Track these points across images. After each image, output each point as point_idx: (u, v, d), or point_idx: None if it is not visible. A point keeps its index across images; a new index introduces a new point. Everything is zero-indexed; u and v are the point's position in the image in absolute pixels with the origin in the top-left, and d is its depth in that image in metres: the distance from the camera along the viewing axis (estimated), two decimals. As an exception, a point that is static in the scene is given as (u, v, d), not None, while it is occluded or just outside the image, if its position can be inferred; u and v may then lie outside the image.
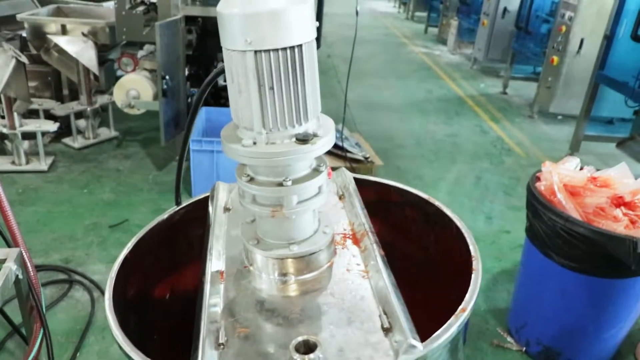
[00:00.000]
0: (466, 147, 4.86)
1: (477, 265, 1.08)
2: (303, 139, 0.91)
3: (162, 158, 4.00)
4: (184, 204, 1.35)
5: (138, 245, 1.21)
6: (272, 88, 0.88)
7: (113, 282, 1.08)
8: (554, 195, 2.10)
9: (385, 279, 1.00)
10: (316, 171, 0.98)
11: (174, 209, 1.33)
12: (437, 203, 1.31)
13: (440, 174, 4.25)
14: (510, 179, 4.25)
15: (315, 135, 0.92)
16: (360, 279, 1.03)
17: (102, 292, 2.38)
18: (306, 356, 0.82)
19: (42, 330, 1.54)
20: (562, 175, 2.15)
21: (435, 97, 6.46)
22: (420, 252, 1.38)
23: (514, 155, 4.74)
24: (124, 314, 1.07)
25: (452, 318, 0.94)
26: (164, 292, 1.35)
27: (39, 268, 2.42)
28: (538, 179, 2.23)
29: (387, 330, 0.89)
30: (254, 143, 0.91)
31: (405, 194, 1.40)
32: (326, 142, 0.94)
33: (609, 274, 2.01)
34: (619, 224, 1.91)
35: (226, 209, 1.29)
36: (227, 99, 3.84)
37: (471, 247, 1.13)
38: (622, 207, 2.00)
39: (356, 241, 1.14)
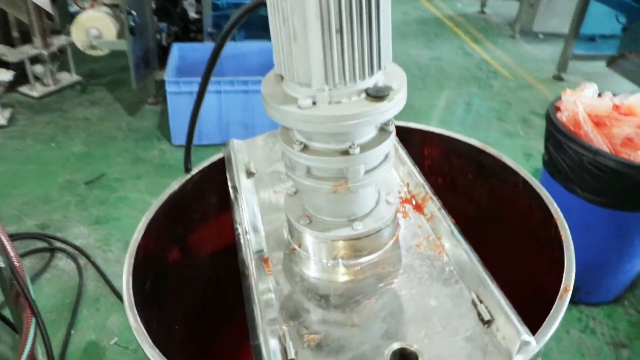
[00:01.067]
0: (452, 72, 4.66)
1: (563, 227, 0.93)
2: (376, 95, 0.70)
3: (134, 102, 3.67)
4: (194, 170, 1.13)
5: (149, 229, 1.00)
6: (339, 31, 0.66)
7: (131, 279, 0.89)
8: (578, 126, 1.95)
9: (470, 255, 0.83)
10: (383, 132, 0.78)
11: (184, 177, 1.12)
12: (494, 152, 1.13)
13: (430, 101, 4.07)
14: (500, 103, 4.11)
15: (389, 88, 0.72)
16: (435, 255, 0.86)
17: (88, 259, 2.18)
18: (408, 372, 0.66)
19: (33, 320, 1.34)
20: (584, 104, 2.00)
21: (412, 19, 6.16)
22: (473, 210, 1.22)
23: (501, 78, 4.57)
24: (143, 309, 0.89)
25: (558, 301, 0.79)
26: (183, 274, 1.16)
27: (13, 237, 2.19)
28: (558, 108, 2.07)
29: (488, 323, 0.73)
30: (314, 103, 0.70)
31: (450, 141, 1.22)
32: (403, 97, 0.74)
33: (636, 206, 1.92)
34: (651, 155, 1.78)
35: (249, 174, 1.08)
36: (197, 32, 3.49)
37: (551, 207, 0.97)
38: (652, 136, 1.87)
39: (418, 207, 0.96)
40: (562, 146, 1.96)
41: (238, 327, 1.37)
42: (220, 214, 1.21)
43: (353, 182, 0.77)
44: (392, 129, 0.79)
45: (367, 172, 0.78)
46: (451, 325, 0.74)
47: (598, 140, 1.90)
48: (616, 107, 2.03)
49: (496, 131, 3.69)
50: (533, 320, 0.74)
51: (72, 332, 1.81)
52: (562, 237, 0.90)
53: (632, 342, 2.02)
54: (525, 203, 1.05)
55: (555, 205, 0.97)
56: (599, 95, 2.13)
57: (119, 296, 1.97)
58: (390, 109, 0.71)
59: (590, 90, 2.13)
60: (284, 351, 0.70)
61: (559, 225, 0.93)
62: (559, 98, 2.11)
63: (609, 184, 1.87)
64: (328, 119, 0.69)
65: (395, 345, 0.68)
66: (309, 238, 0.84)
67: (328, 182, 0.77)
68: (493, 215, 1.16)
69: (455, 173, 1.24)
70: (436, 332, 0.73)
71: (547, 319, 0.75)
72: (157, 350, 0.75)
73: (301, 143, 0.76)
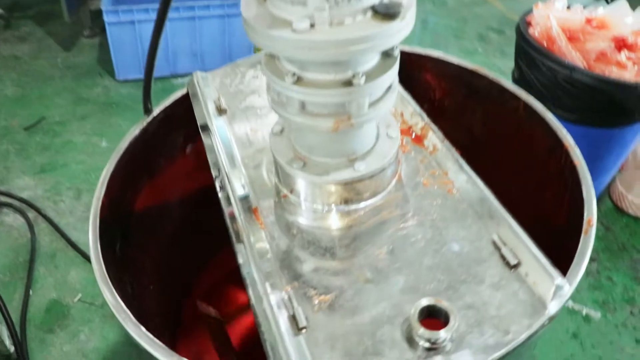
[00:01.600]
0: (406, -9, 4.46)
1: (576, 155, 0.85)
2: (386, 12, 0.58)
3: (68, 36, 3.33)
4: (155, 111, 0.99)
5: (111, 183, 0.87)
6: None
7: (98, 245, 0.76)
8: (552, 42, 1.87)
9: (484, 191, 0.75)
10: (388, 57, 0.67)
11: (145, 119, 0.97)
12: (489, 74, 1.03)
13: (386, 24, 3.90)
14: (457, 21, 3.99)
15: (399, 4, 0.59)
16: (445, 193, 0.77)
17: (38, 212, 2.00)
18: (441, 332, 0.58)
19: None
20: (557, 18, 1.91)
21: None
22: (465, 139, 1.13)
23: (455, -6, 4.42)
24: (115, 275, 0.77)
25: (583, 237, 0.72)
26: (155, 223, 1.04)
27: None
28: (529, 23, 1.98)
29: (514, 267, 0.66)
30: (311, 25, 0.57)
31: (438, 63, 1.11)
32: (413, 15, 0.62)
33: (609, 123, 1.89)
34: (625, 71, 1.73)
35: (221, 110, 0.95)
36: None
37: (559, 133, 0.89)
38: (625, 50, 1.82)
39: (418, 139, 0.86)
40: (535, 63, 1.88)
41: (214, 276, 1.28)
42: (188, 154, 1.08)
43: (357, 117, 0.65)
44: (398, 53, 0.67)
45: (371, 104, 0.66)
46: (474, 272, 0.66)
47: (572, 56, 1.83)
48: (589, 21, 1.95)
49: (455, 49, 3.59)
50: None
51: (31, 292, 1.68)
52: (577, 166, 0.83)
53: (599, 254, 2.07)
54: (527, 130, 0.97)
55: (565, 130, 0.89)
56: (568, 8, 2.05)
57: (77, 249, 1.83)
58: (402, 30, 0.59)
59: (560, 3, 2.05)
60: (293, 319, 0.61)
61: (571, 152, 0.85)
62: (529, 12, 2.01)
63: (583, 101, 1.82)
64: (331, 44, 0.56)
65: (424, 302, 0.60)
66: (304, 183, 0.73)
67: (327, 119, 0.65)
68: (488, 144, 1.08)
69: (444, 99, 1.14)
70: (460, 282, 0.65)
71: (575, 258, 0.69)
72: (144, 330, 0.64)
73: (294, 74, 0.63)
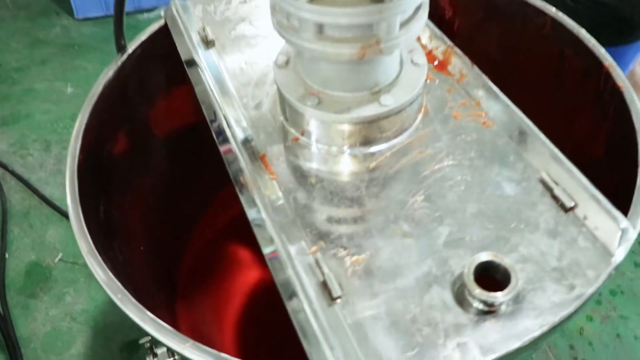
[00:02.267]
0: None
1: (620, 77, 0.75)
2: None
3: (15, -28, 3.03)
4: (129, 48, 0.84)
5: (86, 136, 0.74)
6: None
7: (79, 209, 0.64)
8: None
9: (527, 123, 0.65)
10: (419, -33, 0.54)
11: (118, 59, 0.83)
12: (509, -12, 0.91)
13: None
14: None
15: None
16: (480, 127, 0.67)
17: (6, 168, 1.84)
18: (500, 294, 0.49)
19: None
20: None
21: None
22: (481, 63, 1.02)
23: None
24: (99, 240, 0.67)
25: (643, 169, 0.64)
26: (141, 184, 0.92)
27: None
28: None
29: (570, 210, 0.57)
30: None
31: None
32: None
33: (611, 41, 1.79)
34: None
35: (208, 43, 0.81)
36: None
37: (597, 52, 0.78)
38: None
39: (442, 65, 0.75)
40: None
41: (208, 232, 1.18)
42: (172, 96, 0.95)
43: (387, 40, 0.54)
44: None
45: (402, 25, 0.55)
46: (526, 218, 0.57)
47: (575, -30, 1.70)
48: None
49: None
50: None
51: (7, 255, 1.56)
52: (622, 89, 0.73)
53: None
54: (554, 51, 0.86)
55: (603, 49, 0.78)
56: None
57: (52, 205, 1.70)
58: None
59: None
60: (324, 287, 0.51)
61: (614, 74, 0.75)
62: None
63: (587, 18, 1.72)
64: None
65: (481, 258, 0.51)
66: (320, 123, 0.62)
67: (351, 45, 0.53)
68: (507, 70, 0.96)
69: (455, 19, 1.01)
70: (510, 230, 0.56)
71: (634, 198, 0.60)
72: (140, 306, 0.54)
73: (308, -10, 0.50)
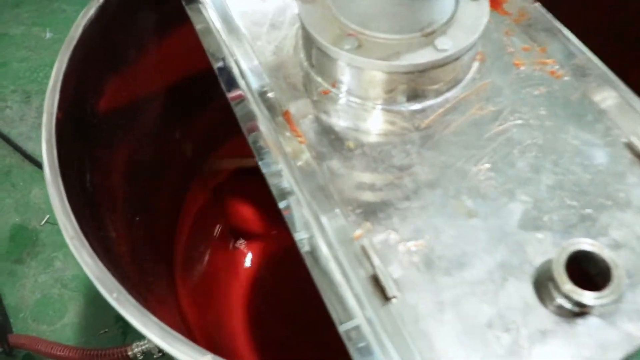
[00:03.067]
0: None
1: None
2: None
3: None
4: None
5: (66, 85, 0.61)
6: None
7: (60, 182, 0.52)
8: None
9: (607, 72, 0.53)
10: None
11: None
12: None
13: None
14: None
15: None
16: (548, 78, 0.55)
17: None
18: (598, 295, 0.39)
19: None
20: None
21: None
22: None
23: None
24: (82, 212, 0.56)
25: None
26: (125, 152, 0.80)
27: None
28: None
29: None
30: None
31: None
32: None
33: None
34: None
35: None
36: None
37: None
38: None
39: (496, 4, 0.62)
40: None
41: (207, 193, 1.07)
42: (166, 39, 0.82)
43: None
44: None
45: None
46: (614, 192, 0.46)
47: None
48: None
49: None
50: None
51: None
52: None
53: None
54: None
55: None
56: None
57: (35, 163, 1.57)
58: None
59: None
60: (375, 282, 0.41)
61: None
62: None
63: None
64: None
65: (578, 245, 0.40)
66: (359, 72, 0.50)
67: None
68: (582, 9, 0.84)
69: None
70: (597, 207, 0.45)
71: None
72: (143, 309, 0.43)
73: None
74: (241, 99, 0.53)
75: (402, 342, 0.38)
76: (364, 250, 0.42)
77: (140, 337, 0.55)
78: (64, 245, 1.38)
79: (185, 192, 1.02)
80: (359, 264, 0.42)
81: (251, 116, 0.50)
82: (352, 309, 0.39)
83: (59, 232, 1.35)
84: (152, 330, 0.40)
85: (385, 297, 0.40)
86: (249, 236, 1.06)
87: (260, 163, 0.48)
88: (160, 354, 0.94)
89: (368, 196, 0.46)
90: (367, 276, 0.41)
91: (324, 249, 0.42)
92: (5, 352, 1.10)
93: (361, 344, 0.38)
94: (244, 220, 1.06)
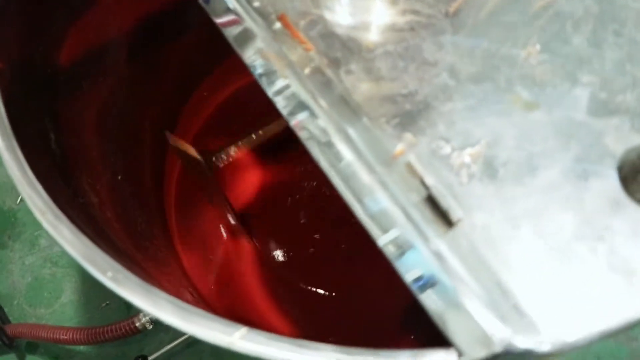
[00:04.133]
0: None
1: None
2: None
3: None
4: None
5: (8, 35, 0.50)
6: None
7: (11, 133, 0.42)
8: None
9: None
10: None
11: None
12: None
13: None
14: None
15: None
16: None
17: None
18: None
19: None
20: None
21: None
22: None
23: None
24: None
25: None
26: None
27: None
28: None
29: None
30: None
31: None
32: None
33: None
34: None
35: None
36: None
37: None
38: None
39: None
40: None
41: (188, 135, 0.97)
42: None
43: None
44: None
45: None
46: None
47: None
48: None
49: None
50: None
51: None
52: None
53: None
54: None
55: None
56: None
57: None
58: None
59: None
60: (433, 205, 0.33)
61: None
62: None
63: None
64: None
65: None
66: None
67: None
68: None
69: None
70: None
71: None
72: (147, 285, 0.35)
73: None
74: (228, 14, 0.42)
75: (481, 272, 0.31)
76: (410, 168, 0.34)
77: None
78: (46, 222, 1.29)
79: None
80: (408, 187, 0.33)
81: (242, 30, 0.40)
82: (409, 232, 0.31)
83: (37, 208, 1.24)
84: (166, 310, 0.32)
85: (448, 223, 0.32)
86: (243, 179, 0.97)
87: (262, 83, 0.39)
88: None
89: (402, 102, 0.37)
90: (420, 199, 0.33)
91: (364, 176, 0.33)
92: (6, 344, 1.03)
93: (437, 286, 0.30)
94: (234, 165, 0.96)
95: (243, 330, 0.29)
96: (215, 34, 0.41)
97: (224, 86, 0.93)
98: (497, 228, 0.32)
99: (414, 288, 0.31)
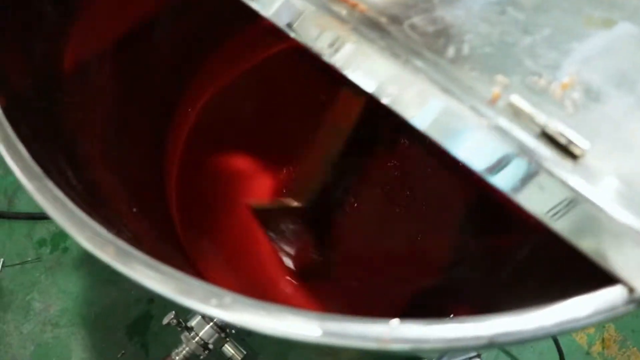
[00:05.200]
0: None
1: None
2: None
3: None
4: None
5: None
6: None
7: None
8: None
9: None
10: None
11: None
12: None
13: None
14: None
15: None
16: None
17: None
18: None
19: None
20: None
21: None
22: None
23: None
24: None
25: None
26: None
27: None
28: None
29: None
30: None
31: None
32: None
33: None
34: None
35: None
36: None
37: None
38: None
39: None
40: None
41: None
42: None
43: None
44: None
45: None
46: None
47: None
48: None
49: None
50: None
51: None
52: None
53: None
54: None
55: None
56: None
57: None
58: None
59: None
60: (550, 141, 0.31)
61: None
62: None
63: None
64: None
65: None
66: None
67: None
68: None
69: None
70: None
71: None
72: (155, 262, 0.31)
73: None
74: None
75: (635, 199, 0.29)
76: (516, 109, 0.31)
77: (164, 344, 0.42)
78: (35, 282, 1.20)
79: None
80: (519, 127, 0.31)
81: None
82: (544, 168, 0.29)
83: (21, 271, 1.16)
84: (183, 293, 0.28)
85: (572, 156, 0.30)
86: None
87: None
88: (206, 352, 0.83)
89: (477, 45, 0.35)
90: (535, 135, 0.31)
91: (473, 120, 0.31)
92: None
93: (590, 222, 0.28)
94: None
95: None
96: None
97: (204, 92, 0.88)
98: (620, 149, 0.31)
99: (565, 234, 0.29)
